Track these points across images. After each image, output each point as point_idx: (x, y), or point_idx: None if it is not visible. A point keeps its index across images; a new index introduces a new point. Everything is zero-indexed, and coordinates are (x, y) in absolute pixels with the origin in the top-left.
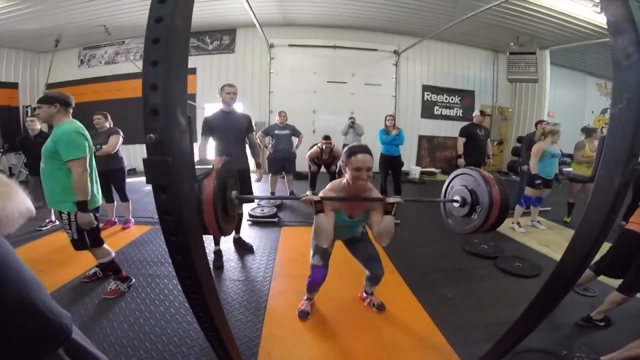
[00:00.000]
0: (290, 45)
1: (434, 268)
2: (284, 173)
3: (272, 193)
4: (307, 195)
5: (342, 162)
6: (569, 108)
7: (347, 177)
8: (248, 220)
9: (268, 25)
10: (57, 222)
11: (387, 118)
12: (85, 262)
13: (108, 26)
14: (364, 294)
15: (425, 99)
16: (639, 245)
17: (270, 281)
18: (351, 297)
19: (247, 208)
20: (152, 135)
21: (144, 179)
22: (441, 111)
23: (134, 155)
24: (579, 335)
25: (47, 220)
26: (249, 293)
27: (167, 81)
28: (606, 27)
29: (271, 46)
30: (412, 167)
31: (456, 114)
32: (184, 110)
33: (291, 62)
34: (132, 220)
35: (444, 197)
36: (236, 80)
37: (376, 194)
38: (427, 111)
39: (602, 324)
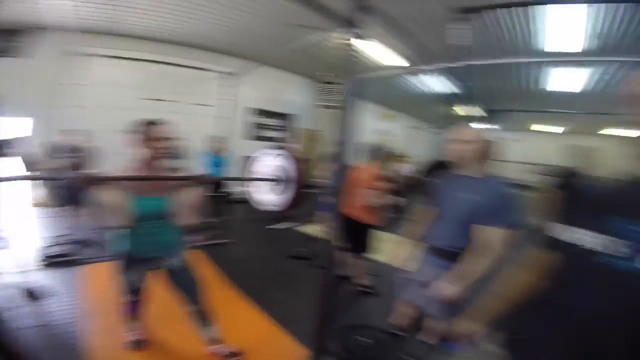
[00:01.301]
0: (110, 57)
1: (266, 276)
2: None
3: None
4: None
5: (138, 136)
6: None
7: (142, 151)
8: (43, 261)
9: (87, 31)
10: None
11: (214, 140)
12: None
13: None
14: (211, 346)
15: (254, 121)
16: (350, 223)
17: (80, 321)
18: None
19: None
20: None
21: None
22: (267, 134)
23: None
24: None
25: None
26: (52, 338)
27: None
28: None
29: (84, 55)
30: (236, 188)
31: (279, 136)
32: None
33: (110, 75)
34: None
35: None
36: (27, 90)
37: (180, 172)
38: (255, 133)
39: (369, 290)
